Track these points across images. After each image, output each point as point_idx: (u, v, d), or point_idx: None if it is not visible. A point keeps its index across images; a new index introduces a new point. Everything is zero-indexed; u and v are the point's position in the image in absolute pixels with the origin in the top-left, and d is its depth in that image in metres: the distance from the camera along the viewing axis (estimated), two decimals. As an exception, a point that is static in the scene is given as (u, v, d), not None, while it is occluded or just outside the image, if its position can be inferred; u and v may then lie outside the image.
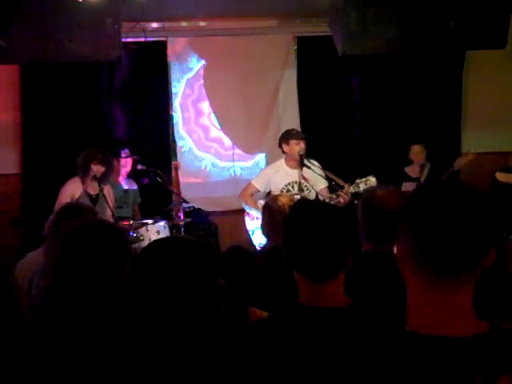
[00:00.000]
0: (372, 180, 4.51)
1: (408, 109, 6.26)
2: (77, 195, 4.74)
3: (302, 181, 4.82)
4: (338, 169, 5.08)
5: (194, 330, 1.54)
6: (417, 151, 5.56)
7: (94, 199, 4.84)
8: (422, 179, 5.45)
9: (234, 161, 6.31)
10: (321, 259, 1.62)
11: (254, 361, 1.50)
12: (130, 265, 1.68)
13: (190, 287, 1.56)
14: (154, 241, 1.76)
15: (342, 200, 4.48)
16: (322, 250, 1.63)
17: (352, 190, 4.50)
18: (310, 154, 4.92)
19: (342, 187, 4.58)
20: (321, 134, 6.09)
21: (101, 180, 4.79)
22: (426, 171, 5.56)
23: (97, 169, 4.77)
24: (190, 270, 1.57)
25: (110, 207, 4.76)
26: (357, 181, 4.53)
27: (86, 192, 4.82)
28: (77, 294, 1.85)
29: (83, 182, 4.83)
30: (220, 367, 1.54)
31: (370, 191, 2.63)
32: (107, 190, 4.89)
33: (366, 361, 1.13)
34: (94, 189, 4.86)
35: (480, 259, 1.13)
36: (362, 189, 4.47)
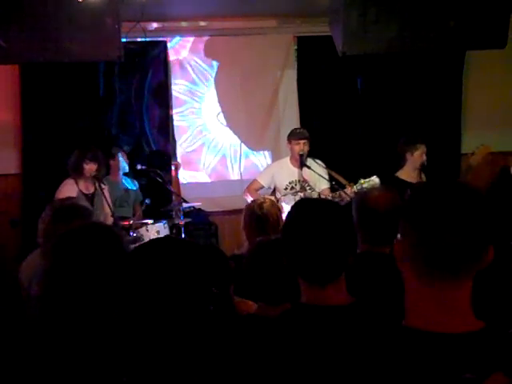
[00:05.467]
0: (375, 181, 4.50)
1: (408, 109, 6.26)
2: (73, 196, 4.74)
3: (306, 179, 4.87)
4: (338, 168, 5.08)
5: (183, 332, 1.52)
6: (424, 151, 5.05)
7: (91, 198, 4.83)
8: None
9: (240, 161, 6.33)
10: (321, 263, 1.60)
11: (257, 359, 1.50)
12: (122, 266, 1.64)
13: (180, 289, 1.52)
14: (144, 244, 1.71)
15: (342, 198, 4.51)
16: (322, 254, 1.60)
17: (355, 189, 4.51)
18: (311, 153, 4.95)
19: (344, 186, 4.59)
20: (321, 134, 6.09)
21: (97, 178, 4.79)
22: (423, 176, 5.10)
23: (89, 167, 4.76)
24: (181, 270, 1.53)
25: (109, 206, 4.76)
26: (360, 181, 4.54)
27: (81, 192, 4.81)
28: (70, 301, 1.80)
29: (77, 183, 4.82)
30: (220, 368, 1.53)
31: (363, 192, 2.64)
32: (106, 189, 4.89)
33: (364, 356, 1.15)
34: (89, 188, 4.86)
35: (479, 258, 1.14)
36: (364, 189, 4.47)
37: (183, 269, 1.51)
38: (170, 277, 1.49)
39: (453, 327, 1.12)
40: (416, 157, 5.03)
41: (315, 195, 4.79)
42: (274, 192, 5.00)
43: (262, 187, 5.01)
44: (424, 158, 5.07)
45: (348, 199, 4.46)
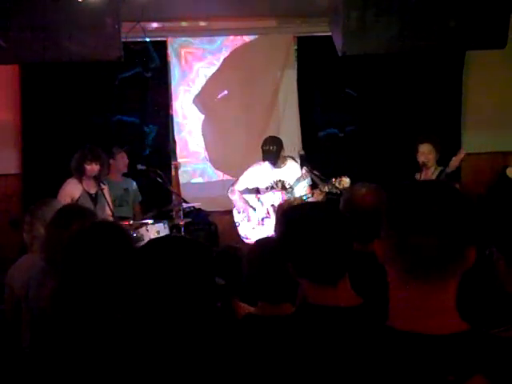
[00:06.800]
0: (346, 180, 4.59)
1: (408, 109, 6.25)
2: (77, 195, 4.73)
3: (284, 179, 5.03)
4: (337, 169, 5.09)
5: (192, 329, 1.54)
6: (424, 151, 4.99)
7: (94, 198, 4.83)
8: None
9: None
10: (331, 261, 1.60)
11: (261, 360, 1.49)
12: (130, 264, 1.66)
13: (188, 286, 1.55)
14: (151, 240, 1.74)
15: (314, 198, 4.64)
16: (330, 252, 1.60)
17: (326, 189, 4.60)
18: (310, 153, 4.98)
19: (317, 186, 4.75)
20: (320, 134, 6.09)
21: (99, 178, 4.79)
22: (434, 176, 4.95)
23: (91, 168, 4.74)
24: (188, 268, 1.56)
25: (109, 206, 4.76)
26: (332, 180, 4.62)
27: (85, 191, 4.81)
28: (84, 298, 1.82)
29: (81, 182, 4.82)
30: (223, 367, 1.52)
31: (350, 190, 2.59)
32: (106, 189, 4.89)
33: (352, 357, 1.13)
34: (93, 187, 4.86)
35: (461, 259, 1.12)
36: (335, 188, 4.55)
37: (190, 266, 1.54)
38: (178, 274, 1.51)
39: (434, 328, 1.10)
40: (419, 156, 5.04)
41: (294, 194, 4.91)
42: (257, 191, 5.09)
43: (245, 186, 5.17)
44: (421, 158, 5.02)
45: (319, 198, 4.60)
